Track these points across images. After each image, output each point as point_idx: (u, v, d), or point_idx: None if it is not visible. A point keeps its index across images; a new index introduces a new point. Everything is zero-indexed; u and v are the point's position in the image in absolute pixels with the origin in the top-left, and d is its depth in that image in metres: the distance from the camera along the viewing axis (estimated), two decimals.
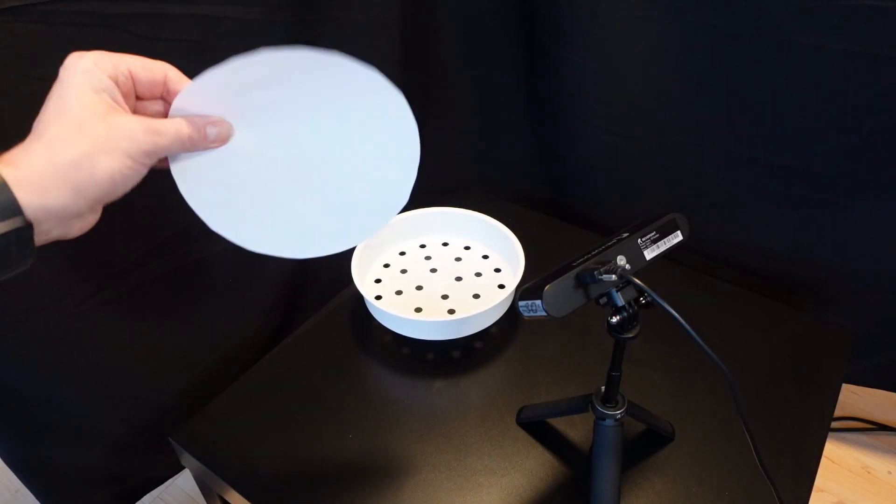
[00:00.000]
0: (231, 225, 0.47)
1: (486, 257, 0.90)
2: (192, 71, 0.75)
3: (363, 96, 0.47)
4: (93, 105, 0.39)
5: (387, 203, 0.50)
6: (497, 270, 0.87)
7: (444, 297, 0.83)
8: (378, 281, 0.86)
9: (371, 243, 0.86)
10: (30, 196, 0.36)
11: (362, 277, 0.83)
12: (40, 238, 0.38)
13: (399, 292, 0.84)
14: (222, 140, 0.45)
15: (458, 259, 0.90)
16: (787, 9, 0.75)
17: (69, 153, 0.37)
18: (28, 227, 0.36)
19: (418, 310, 0.81)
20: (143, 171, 0.41)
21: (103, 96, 0.40)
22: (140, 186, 0.76)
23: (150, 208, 0.77)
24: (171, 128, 0.42)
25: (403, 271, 0.87)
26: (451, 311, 0.80)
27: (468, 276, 0.86)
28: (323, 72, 0.45)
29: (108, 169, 0.39)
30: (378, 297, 0.82)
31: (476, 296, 0.83)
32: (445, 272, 0.87)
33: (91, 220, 0.42)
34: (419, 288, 0.84)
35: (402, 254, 0.90)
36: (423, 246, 0.92)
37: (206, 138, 0.44)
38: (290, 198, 0.48)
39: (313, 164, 0.47)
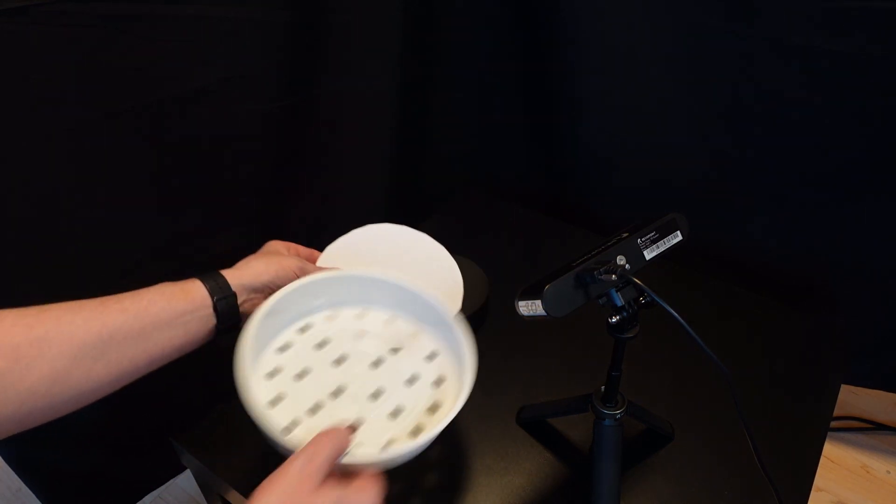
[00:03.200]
0: None
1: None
2: (193, 71, 0.76)
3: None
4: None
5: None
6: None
7: (374, 394, 0.59)
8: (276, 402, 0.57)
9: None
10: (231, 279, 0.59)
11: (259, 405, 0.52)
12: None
13: (316, 408, 0.57)
14: None
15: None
16: (786, 10, 0.75)
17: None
18: (234, 296, 0.58)
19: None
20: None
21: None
22: (140, 189, 0.76)
23: (151, 209, 0.77)
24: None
25: (298, 376, 0.60)
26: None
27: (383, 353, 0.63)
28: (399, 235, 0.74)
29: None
30: (287, 428, 0.55)
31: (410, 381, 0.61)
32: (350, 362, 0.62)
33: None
34: (338, 393, 0.58)
35: (283, 348, 0.62)
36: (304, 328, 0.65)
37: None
38: None
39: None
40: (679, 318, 0.46)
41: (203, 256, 0.82)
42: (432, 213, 1.04)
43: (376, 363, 0.62)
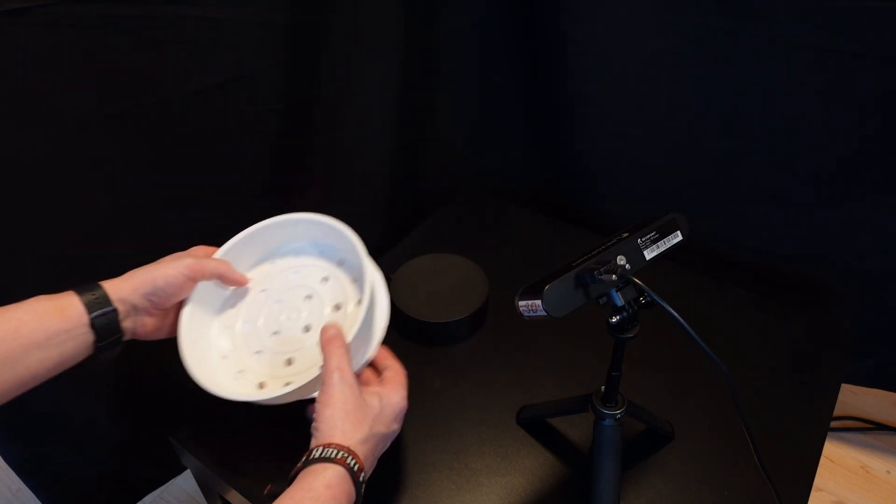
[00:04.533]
0: None
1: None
2: (194, 72, 0.76)
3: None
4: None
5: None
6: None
7: (307, 329, 0.66)
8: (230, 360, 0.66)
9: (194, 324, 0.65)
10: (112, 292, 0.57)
11: (217, 381, 0.63)
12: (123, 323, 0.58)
13: (259, 351, 0.66)
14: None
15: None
16: (786, 9, 0.75)
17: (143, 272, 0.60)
18: (114, 311, 0.56)
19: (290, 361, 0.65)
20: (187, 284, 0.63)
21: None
22: (141, 190, 0.76)
23: (152, 210, 0.77)
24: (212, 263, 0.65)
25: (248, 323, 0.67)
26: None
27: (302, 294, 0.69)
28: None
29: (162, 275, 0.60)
30: (262, 384, 0.64)
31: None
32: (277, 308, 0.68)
33: (149, 321, 0.62)
34: (276, 333, 0.66)
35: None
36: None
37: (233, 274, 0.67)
38: None
39: None
40: (679, 318, 0.46)
41: None
42: (433, 213, 1.04)
43: (308, 297, 0.68)
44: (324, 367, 0.56)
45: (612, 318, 0.52)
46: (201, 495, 0.80)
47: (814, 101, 0.81)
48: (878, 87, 0.77)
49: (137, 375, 0.84)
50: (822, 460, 0.69)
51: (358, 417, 0.53)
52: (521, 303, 0.51)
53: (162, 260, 0.63)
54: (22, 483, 0.83)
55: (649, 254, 0.54)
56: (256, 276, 0.71)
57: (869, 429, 1.17)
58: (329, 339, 0.56)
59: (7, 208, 0.65)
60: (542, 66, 0.99)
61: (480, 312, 0.82)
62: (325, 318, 0.66)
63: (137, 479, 0.96)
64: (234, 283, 0.68)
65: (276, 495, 0.48)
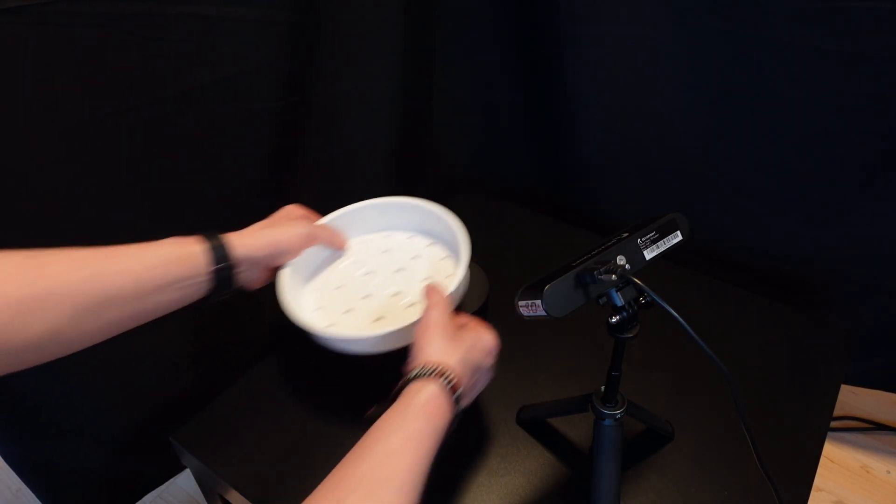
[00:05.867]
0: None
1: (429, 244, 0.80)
2: (193, 71, 0.76)
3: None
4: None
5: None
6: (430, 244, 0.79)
7: (397, 294, 0.73)
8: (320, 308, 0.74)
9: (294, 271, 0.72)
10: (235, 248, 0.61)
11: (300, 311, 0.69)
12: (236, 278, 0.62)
13: (349, 310, 0.73)
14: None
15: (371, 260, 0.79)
16: (785, 11, 0.75)
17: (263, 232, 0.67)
18: (232, 266, 0.60)
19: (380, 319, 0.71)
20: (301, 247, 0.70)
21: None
22: (140, 189, 0.76)
23: (151, 209, 0.77)
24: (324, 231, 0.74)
25: (338, 287, 0.76)
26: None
27: (406, 263, 0.77)
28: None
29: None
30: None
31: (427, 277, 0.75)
32: (382, 271, 0.76)
33: (262, 276, 0.68)
34: (367, 297, 0.73)
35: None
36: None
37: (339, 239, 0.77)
38: None
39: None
40: (679, 318, 0.46)
41: None
42: None
43: (399, 270, 0.76)
44: (425, 305, 0.59)
45: (612, 318, 0.52)
46: (201, 495, 0.80)
47: (813, 102, 0.81)
48: (877, 89, 0.77)
49: (138, 375, 0.84)
50: (822, 460, 0.69)
51: (455, 340, 0.56)
52: (521, 303, 0.51)
53: (277, 220, 0.69)
54: (22, 483, 0.83)
55: (649, 254, 0.54)
56: (351, 248, 0.79)
57: (869, 429, 1.17)
58: (431, 288, 0.61)
59: (5, 208, 0.65)
60: (543, 66, 0.99)
61: (480, 312, 0.82)
62: (417, 286, 0.72)
63: (137, 478, 0.96)
64: (338, 247, 0.77)
65: (376, 418, 0.50)
